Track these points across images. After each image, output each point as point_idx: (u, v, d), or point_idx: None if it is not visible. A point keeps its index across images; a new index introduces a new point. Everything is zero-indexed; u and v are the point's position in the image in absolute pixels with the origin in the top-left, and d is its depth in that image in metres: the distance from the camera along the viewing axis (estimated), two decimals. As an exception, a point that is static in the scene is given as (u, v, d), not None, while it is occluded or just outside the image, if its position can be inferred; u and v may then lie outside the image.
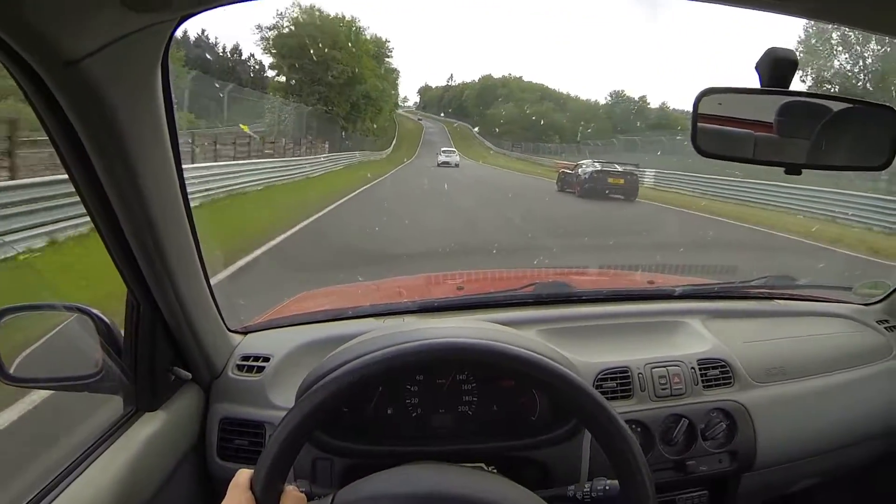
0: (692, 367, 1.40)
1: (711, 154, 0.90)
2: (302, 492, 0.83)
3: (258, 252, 6.70)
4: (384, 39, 30.53)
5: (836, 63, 23.74)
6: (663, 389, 1.36)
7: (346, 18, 27.98)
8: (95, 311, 1.10)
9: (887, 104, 0.91)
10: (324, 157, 20.04)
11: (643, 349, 1.44)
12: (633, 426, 1.32)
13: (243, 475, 0.80)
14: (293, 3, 26.50)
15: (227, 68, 27.23)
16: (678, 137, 21.77)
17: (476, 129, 47.88)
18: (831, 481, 1.63)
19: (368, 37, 29.13)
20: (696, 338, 1.51)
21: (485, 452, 1.16)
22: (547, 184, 18.58)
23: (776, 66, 0.81)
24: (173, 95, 0.87)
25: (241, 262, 6.03)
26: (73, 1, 0.61)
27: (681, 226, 11.94)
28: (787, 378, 1.48)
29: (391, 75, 32.93)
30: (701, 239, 9.96)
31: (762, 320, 1.68)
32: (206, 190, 9.80)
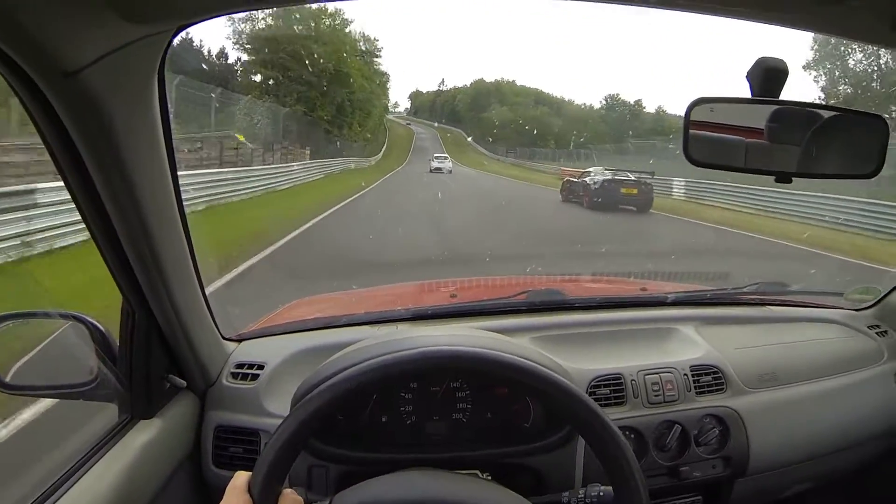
0: (685, 374, 1.41)
1: (702, 163, 0.91)
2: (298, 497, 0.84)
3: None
4: (373, 38, 28.28)
5: (851, 62, 23.73)
6: (656, 396, 1.37)
7: (329, 10, 26.22)
8: (90, 318, 1.10)
9: (877, 113, 0.93)
10: (298, 166, 17.25)
11: (636, 356, 1.44)
12: (627, 433, 1.32)
13: (241, 477, 0.80)
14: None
15: (214, 73, 23.89)
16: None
17: (469, 135, 46.91)
18: (824, 486, 1.64)
19: (354, 32, 26.74)
20: (689, 344, 1.52)
21: (479, 459, 1.16)
22: (549, 193, 16.89)
23: (767, 76, 0.82)
24: (169, 105, 0.88)
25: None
26: (72, 12, 0.62)
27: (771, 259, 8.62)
28: (779, 384, 1.49)
29: (381, 78, 30.92)
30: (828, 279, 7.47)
31: (754, 326, 1.69)
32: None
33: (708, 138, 0.91)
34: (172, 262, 1.02)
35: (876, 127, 0.93)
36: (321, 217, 10.34)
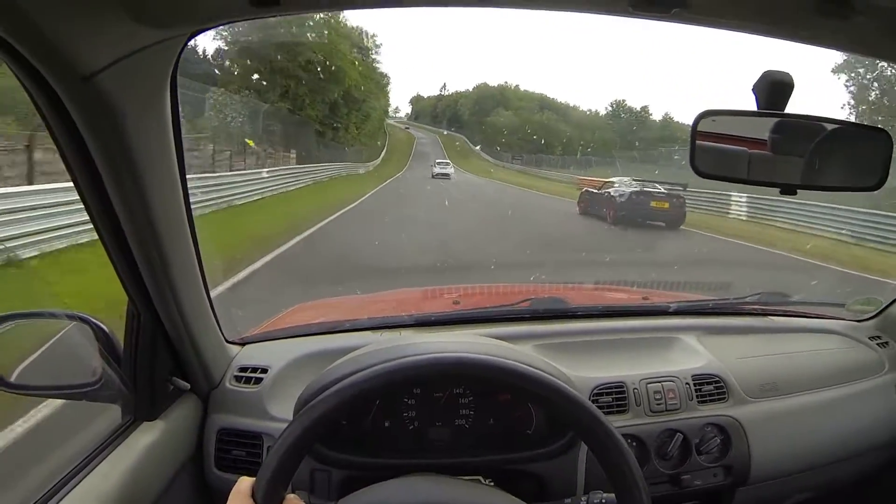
0: (687, 383, 1.41)
1: (708, 174, 0.92)
2: (301, 501, 0.84)
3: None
4: (371, 34, 25.81)
5: (882, 64, 23.36)
6: (658, 404, 1.37)
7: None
8: (95, 320, 1.11)
9: (880, 126, 0.94)
10: (268, 173, 13.90)
11: (638, 364, 1.45)
12: (629, 441, 1.32)
13: (245, 483, 0.80)
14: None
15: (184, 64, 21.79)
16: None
17: (472, 140, 45.89)
18: (824, 496, 1.64)
19: (349, 24, 23.95)
20: (691, 353, 1.52)
21: (482, 465, 1.16)
22: (563, 204, 15.48)
23: (773, 89, 0.83)
24: (181, 110, 0.88)
25: None
26: (89, 16, 0.63)
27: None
28: (780, 394, 1.49)
29: (380, 79, 28.73)
30: None
31: (756, 336, 1.69)
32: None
33: (714, 150, 0.91)
34: (180, 265, 1.03)
35: (880, 140, 0.93)
36: (259, 263, 6.48)
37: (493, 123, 45.90)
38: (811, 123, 0.91)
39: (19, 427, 2.59)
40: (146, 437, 1.11)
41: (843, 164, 0.95)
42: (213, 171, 11.59)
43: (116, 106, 0.74)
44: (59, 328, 1.12)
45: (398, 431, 1.23)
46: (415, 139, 45.27)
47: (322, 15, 21.03)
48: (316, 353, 1.37)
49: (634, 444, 1.33)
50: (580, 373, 1.36)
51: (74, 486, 0.95)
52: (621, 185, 12.66)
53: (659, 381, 1.39)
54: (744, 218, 14.10)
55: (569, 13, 0.79)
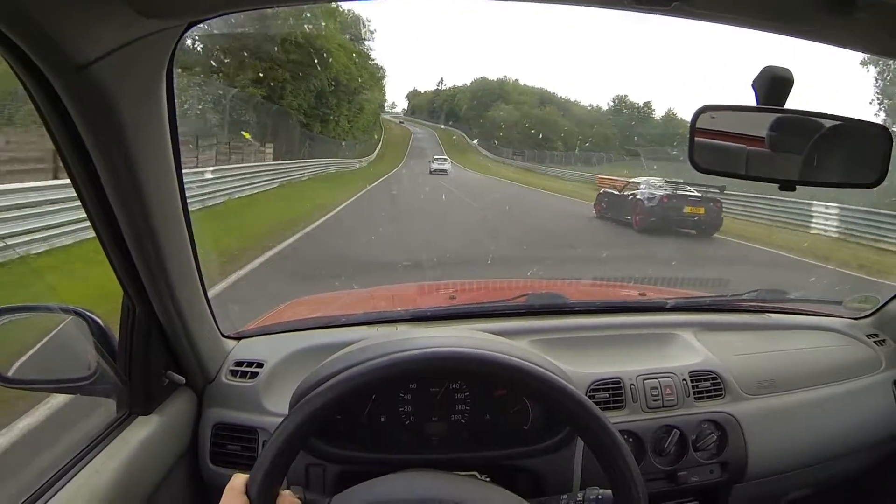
0: (684, 379, 1.41)
1: (707, 169, 0.91)
2: (296, 497, 0.84)
3: None
4: (364, 18, 23.30)
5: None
6: (655, 400, 1.37)
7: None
8: (91, 313, 1.11)
9: (879, 122, 0.93)
10: (211, 173, 10.79)
11: (635, 360, 1.45)
12: (625, 436, 1.32)
13: (239, 479, 0.80)
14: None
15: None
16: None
17: (470, 135, 45.02)
18: (821, 493, 1.64)
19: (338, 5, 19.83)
20: (688, 350, 1.52)
21: (477, 461, 1.16)
22: (576, 206, 13.93)
23: (772, 85, 0.82)
24: (176, 102, 0.88)
25: None
26: (86, 5, 0.62)
27: None
28: (777, 391, 1.50)
29: (376, 72, 26.58)
30: None
31: (753, 333, 1.69)
32: None
33: (713, 146, 0.91)
34: (175, 259, 1.02)
35: (879, 136, 0.93)
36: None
37: (493, 118, 44.91)
38: (810, 119, 0.90)
39: (14, 422, 2.58)
40: (141, 431, 1.11)
41: (842, 160, 0.94)
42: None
43: (111, 97, 0.73)
44: (55, 322, 1.12)
45: (394, 426, 1.23)
46: (411, 134, 44.54)
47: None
48: (312, 348, 1.37)
49: (631, 440, 1.33)
50: (577, 368, 1.36)
51: (69, 481, 0.95)
52: (648, 186, 11.34)
53: (656, 378, 1.39)
54: (836, 235, 11.68)
55: (570, 6, 0.79)
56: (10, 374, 1.04)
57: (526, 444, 1.20)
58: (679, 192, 10.66)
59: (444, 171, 23.31)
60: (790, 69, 0.82)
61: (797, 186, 0.91)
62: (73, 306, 1.10)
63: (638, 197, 11.08)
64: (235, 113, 14.68)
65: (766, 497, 1.51)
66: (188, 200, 1.02)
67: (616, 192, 12.06)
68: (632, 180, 12.27)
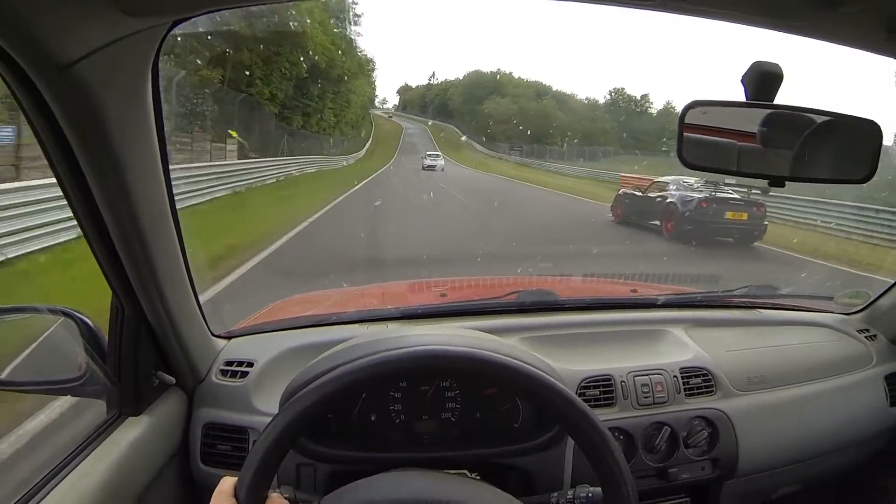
0: (674, 376, 1.41)
1: (696, 165, 0.91)
2: (286, 498, 0.83)
3: None
4: (350, 2, 20.95)
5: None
6: (646, 397, 1.37)
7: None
8: (79, 314, 1.10)
9: (869, 118, 0.93)
10: None
11: (626, 357, 1.45)
12: (616, 434, 1.32)
13: (227, 482, 0.79)
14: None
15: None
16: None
17: (465, 130, 43.74)
18: (812, 488, 1.65)
19: None
20: (679, 346, 1.52)
21: (468, 459, 1.16)
22: (588, 206, 12.98)
23: (762, 80, 0.82)
24: (162, 100, 0.87)
25: None
26: (70, 3, 0.61)
27: None
28: (768, 386, 1.50)
29: (365, 64, 25.14)
30: None
31: (744, 329, 1.70)
32: None
33: (702, 141, 0.91)
34: (163, 259, 1.02)
35: (869, 131, 0.93)
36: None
37: (488, 111, 43.48)
38: (800, 115, 0.90)
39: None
40: (131, 432, 1.10)
41: (833, 156, 0.94)
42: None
43: (96, 96, 0.72)
44: (43, 322, 1.11)
45: (384, 425, 1.22)
46: (402, 129, 43.62)
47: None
48: (302, 347, 1.36)
49: (622, 437, 1.33)
50: (567, 366, 1.36)
51: (59, 482, 0.94)
52: (680, 187, 9.68)
53: (646, 374, 1.40)
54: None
55: (561, 2, 0.78)
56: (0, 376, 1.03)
57: (516, 442, 1.20)
58: (722, 195, 9.13)
59: (437, 166, 22.99)
60: (779, 64, 0.82)
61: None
62: (63, 307, 1.10)
63: (669, 200, 9.50)
64: (189, 103, 12.15)
65: (757, 493, 1.52)
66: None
67: (639, 194, 10.58)
68: (658, 179, 10.60)
